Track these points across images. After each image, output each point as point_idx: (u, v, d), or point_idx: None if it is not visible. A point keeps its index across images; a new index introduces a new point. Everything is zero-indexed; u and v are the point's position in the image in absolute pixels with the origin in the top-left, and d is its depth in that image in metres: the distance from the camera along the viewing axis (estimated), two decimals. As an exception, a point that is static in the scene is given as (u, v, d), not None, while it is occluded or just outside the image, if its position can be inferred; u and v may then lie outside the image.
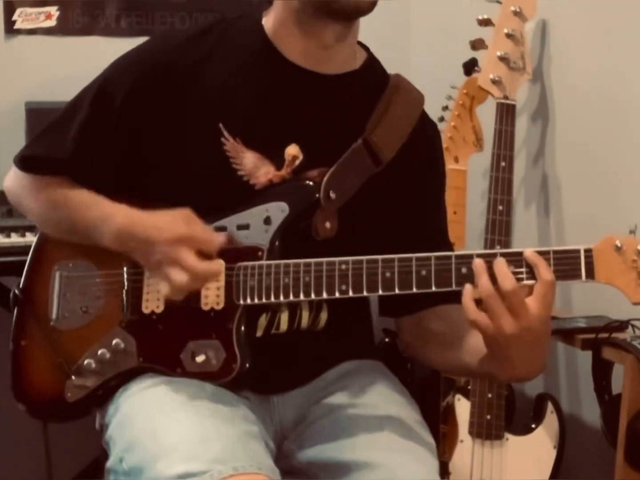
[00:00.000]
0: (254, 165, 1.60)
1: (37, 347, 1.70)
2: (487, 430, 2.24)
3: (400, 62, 3.01)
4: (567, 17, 2.39)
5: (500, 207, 2.21)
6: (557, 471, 2.23)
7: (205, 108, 1.61)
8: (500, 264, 1.39)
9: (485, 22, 2.25)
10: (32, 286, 1.74)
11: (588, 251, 1.38)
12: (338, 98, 1.65)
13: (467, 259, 1.43)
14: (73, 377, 1.64)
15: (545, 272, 1.38)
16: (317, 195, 1.58)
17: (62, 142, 1.66)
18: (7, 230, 2.40)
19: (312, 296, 1.51)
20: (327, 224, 1.58)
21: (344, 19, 1.58)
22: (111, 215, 1.60)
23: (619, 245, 1.37)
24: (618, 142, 2.25)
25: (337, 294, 1.50)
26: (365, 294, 1.49)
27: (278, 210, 1.57)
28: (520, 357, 1.42)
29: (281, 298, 1.53)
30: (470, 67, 2.33)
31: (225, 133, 1.60)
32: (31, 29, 2.75)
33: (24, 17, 2.74)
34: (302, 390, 1.68)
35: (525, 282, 1.39)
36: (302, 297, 1.52)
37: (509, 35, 2.21)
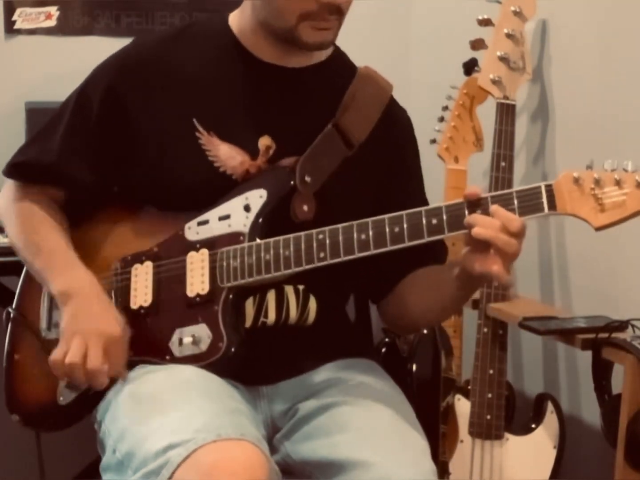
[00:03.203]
0: (229, 156, 1.66)
1: (29, 358, 1.74)
2: (487, 430, 2.24)
3: (400, 62, 3.03)
4: (567, 17, 2.39)
5: (501, 207, 2.20)
6: (557, 471, 2.23)
7: (179, 105, 1.68)
8: (498, 209, 1.46)
9: (485, 22, 2.25)
10: (24, 302, 1.79)
11: (549, 186, 1.45)
12: (306, 89, 1.72)
13: (436, 211, 1.50)
14: (66, 378, 1.65)
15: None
16: (292, 180, 1.63)
17: (49, 147, 1.73)
18: (7, 230, 2.39)
19: (292, 268, 1.57)
20: (305, 207, 1.64)
21: (306, 51, 1.67)
22: (72, 269, 1.67)
23: (576, 176, 1.44)
24: (618, 142, 2.25)
25: (316, 262, 1.55)
26: (343, 257, 1.54)
27: (257, 197, 1.63)
28: None
29: (263, 274, 1.58)
30: (470, 67, 2.33)
31: (200, 127, 1.66)
32: (31, 29, 2.75)
33: (24, 17, 2.74)
34: (291, 382, 1.70)
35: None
36: (283, 270, 1.57)
37: (509, 35, 2.21)
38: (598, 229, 1.43)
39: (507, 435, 2.25)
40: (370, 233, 1.52)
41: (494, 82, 2.22)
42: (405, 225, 1.50)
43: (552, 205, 1.44)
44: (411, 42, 3.05)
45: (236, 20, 1.73)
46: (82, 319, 1.61)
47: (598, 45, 2.30)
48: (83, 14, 2.79)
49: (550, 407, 2.25)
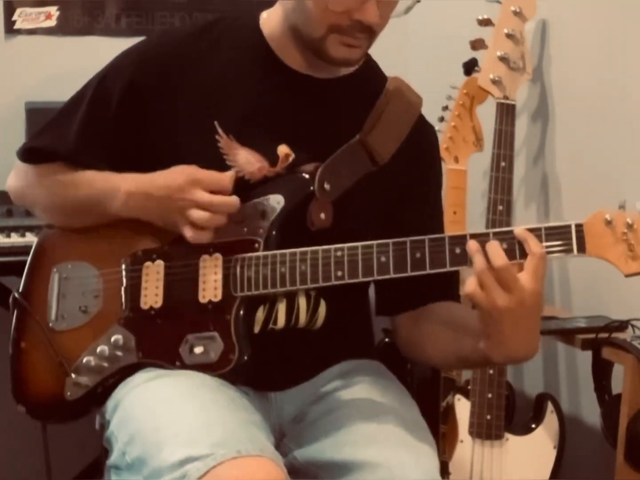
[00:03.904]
0: (247, 161, 1.62)
1: (36, 348, 1.71)
2: (487, 430, 2.24)
3: (400, 62, 3.03)
4: (567, 17, 2.39)
5: (500, 207, 2.21)
6: (557, 471, 2.23)
7: (201, 105, 1.63)
8: (492, 245, 1.42)
9: (485, 22, 2.25)
10: (31, 289, 1.75)
11: (579, 226, 1.41)
12: (333, 101, 1.67)
13: (460, 240, 1.46)
14: (73, 375, 1.65)
15: (534, 246, 1.41)
16: (311, 187, 1.59)
17: (65, 136, 1.69)
18: (7, 230, 2.40)
19: (309, 284, 1.54)
20: (322, 215, 1.59)
21: (331, 65, 1.62)
22: (118, 183, 1.64)
23: (609, 219, 1.39)
24: (618, 141, 2.25)
25: (333, 281, 1.52)
26: (360, 278, 1.51)
27: (274, 203, 1.59)
28: (514, 332, 1.43)
29: (278, 287, 1.55)
30: (470, 67, 2.33)
31: (220, 130, 1.62)
32: (31, 29, 2.75)
33: (24, 17, 2.74)
34: (300, 387, 1.69)
35: (517, 260, 1.42)
36: (298, 285, 1.54)
37: (509, 35, 2.21)
38: (627, 275, 1.40)
39: (507, 435, 2.25)
40: (391, 256, 1.49)
41: (494, 82, 2.22)
42: (427, 252, 1.47)
43: (582, 248, 1.40)
44: (411, 42, 3.05)
45: (268, 21, 1.67)
46: (164, 201, 1.58)
47: (598, 45, 2.30)
48: (83, 14, 2.79)
49: (550, 407, 2.25)
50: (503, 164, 2.20)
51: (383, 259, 1.49)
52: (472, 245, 1.43)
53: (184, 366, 1.58)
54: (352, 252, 1.51)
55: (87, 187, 1.68)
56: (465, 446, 2.27)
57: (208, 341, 1.57)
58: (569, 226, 1.41)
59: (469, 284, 1.42)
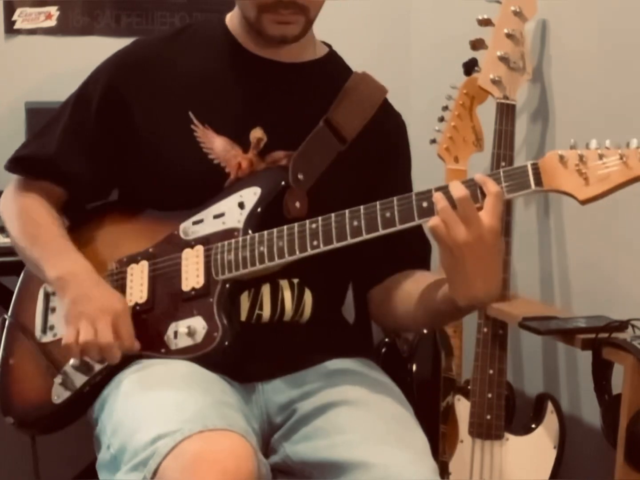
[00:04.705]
0: (223, 149, 1.70)
1: (24, 361, 1.74)
2: (487, 430, 2.24)
3: (400, 62, 3.03)
4: (567, 17, 2.39)
5: (501, 207, 2.20)
6: (557, 471, 2.23)
7: (176, 99, 1.72)
8: (454, 182, 1.49)
9: (485, 22, 2.25)
10: (20, 309, 1.80)
11: (534, 164, 1.48)
12: (299, 84, 1.75)
13: (426, 195, 1.51)
14: (60, 377, 1.67)
15: (491, 186, 1.47)
16: (286, 178, 1.67)
17: (48, 142, 1.78)
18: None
19: (286, 257, 1.58)
20: (297, 204, 1.66)
21: (273, 45, 1.72)
22: (60, 262, 1.67)
23: (561, 154, 1.46)
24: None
25: (309, 250, 1.57)
26: (335, 244, 1.56)
27: (251, 194, 1.66)
28: (475, 271, 1.48)
29: (257, 265, 1.60)
30: (470, 67, 2.33)
31: (195, 120, 1.70)
32: (31, 29, 2.75)
33: (24, 17, 2.74)
34: (287, 379, 1.71)
35: (480, 203, 1.47)
36: (277, 259, 1.59)
37: (509, 35, 2.21)
38: (583, 202, 1.46)
39: (507, 435, 2.25)
40: (362, 219, 1.54)
41: (494, 82, 2.22)
42: (396, 210, 1.52)
43: (539, 182, 1.46)
44: (411, 42, 3.05)
45: (232, 17, 1.79)
46: (84, 301, 1.62)
47: (598, 45, 2.30)
48: (83, 14, 2.79)
49: (550, 407, 2.25)
50: (503, 164, 2.20)
51: (355, 222, 1.55)
52: (438, 196, 1.48)
53: (170, 352, 1.61)
54: (326, 222, 1.57)
55: (39, 247, 1.71)
56: (465, 446, 2.27)
57: (192, 324, 1.61)
58: (525, 166, 1.48)
59: (433, 219, 1.48)
